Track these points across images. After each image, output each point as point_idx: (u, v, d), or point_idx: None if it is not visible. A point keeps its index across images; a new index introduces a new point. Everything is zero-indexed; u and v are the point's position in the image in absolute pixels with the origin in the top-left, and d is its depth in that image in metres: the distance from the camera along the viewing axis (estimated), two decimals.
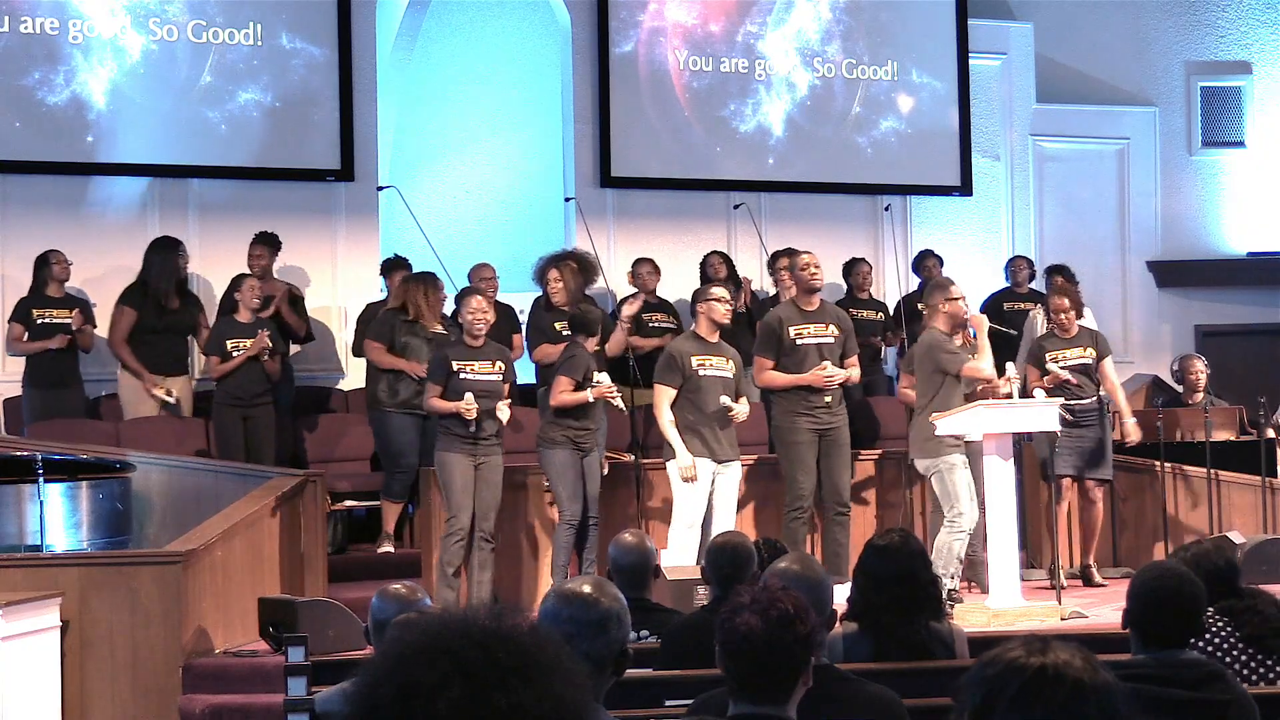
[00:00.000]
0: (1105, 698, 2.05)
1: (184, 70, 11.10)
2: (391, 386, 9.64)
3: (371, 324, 9.95)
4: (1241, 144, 14.17)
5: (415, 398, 9.38)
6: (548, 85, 12.57)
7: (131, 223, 10.95)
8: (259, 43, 11.25)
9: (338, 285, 11.44)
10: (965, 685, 2.11)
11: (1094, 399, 9.57)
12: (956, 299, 8.80)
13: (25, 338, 9.96)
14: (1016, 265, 12.18)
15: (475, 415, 8.51)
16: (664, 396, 8.85)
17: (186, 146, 11.09)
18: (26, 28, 10.74)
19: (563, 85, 12.37)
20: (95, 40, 10.87)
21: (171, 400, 10.05)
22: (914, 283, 12.16)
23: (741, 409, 8.82)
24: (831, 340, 9.09)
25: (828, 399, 9.00)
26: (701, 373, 8.84)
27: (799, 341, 9.03)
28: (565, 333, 9.45)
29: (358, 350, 10.43)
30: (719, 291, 9.15)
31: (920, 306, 9.68)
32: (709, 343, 8.96)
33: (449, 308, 9.88)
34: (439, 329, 9.63)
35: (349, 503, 10.22)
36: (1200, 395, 11.18)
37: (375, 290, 11.44)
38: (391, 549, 9.83)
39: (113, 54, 10.91)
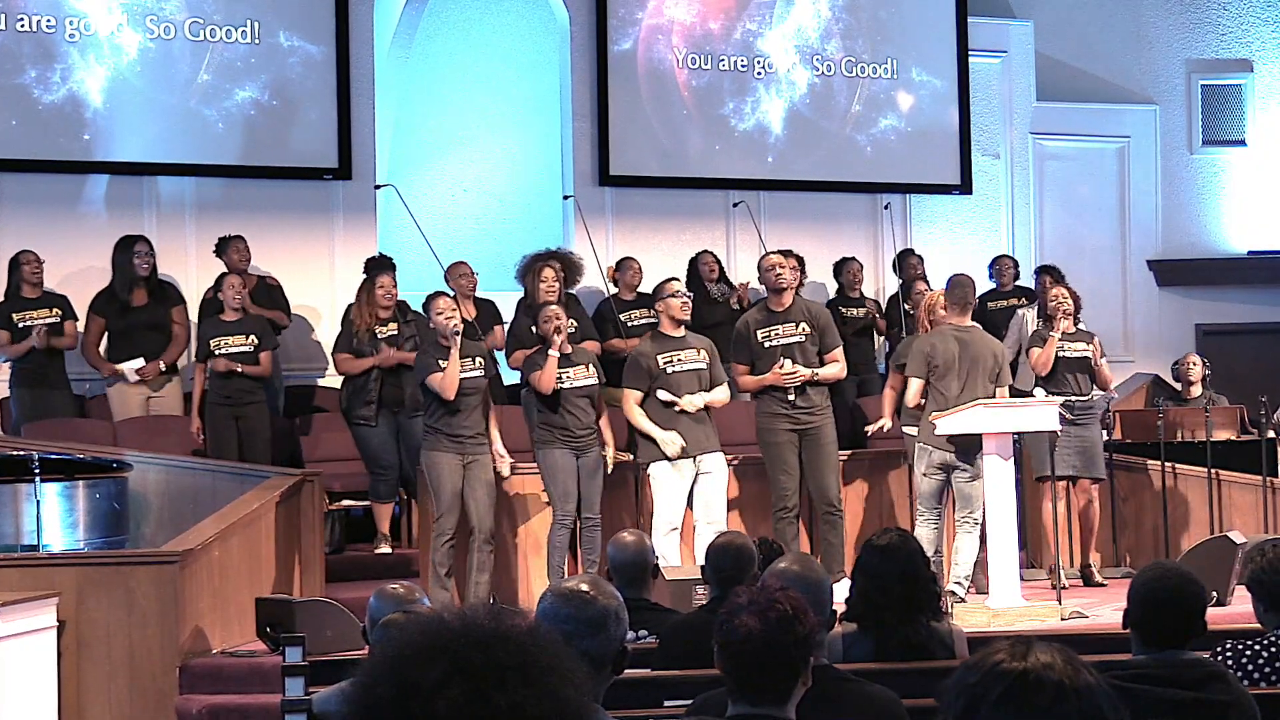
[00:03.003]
0: (1088, 700, 2.03)
1: (181, 68, 11.08)
2: (351, 397, 9.83)
3: (338, 337, 10.12)
4: (1242, 142, 14.16)
5: (364, 408, 9.71)
6: (546, 83, 12.54)
7: (129, 221, 10.91)
8: (256, 41, 11.23)
9: (335, 284, 11.40)
10: (949, 690, 2.09)
11: (1090, 397, 9.55)
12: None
13: (9, 342, 9.95)
14: (1002, 264, 12.18)
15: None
16: (630, 398, 8.84)
17: (183, 145, 11.07)
18: (23, 25, 10.71)
19: (561, 83, 12.35)
20: (92, 38, 10.84)
21: (133, 378, 9.98)
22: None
23: (690, 400, 8.74)
24: (802, 339, 9.03)
25: (791, 397, 8.94)
26: (670, 370, 8.81)
27: (767, 344, 9.00)
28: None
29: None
30: (674, 286, 9.14)
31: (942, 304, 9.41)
32: (673, 338, 8.92)
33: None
34: (390, 329, 9.81)
35: (346, 502, 10.20)
36: (1196, 389, 11.17)
37: None
38: (389, 549, 9.82)
39: (109, 52, 10.89)
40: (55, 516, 8.12)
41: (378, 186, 11.62)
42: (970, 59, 13.24)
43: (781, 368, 8.89)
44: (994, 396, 8.71)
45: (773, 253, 9.35)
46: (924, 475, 8.69)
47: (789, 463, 8.93)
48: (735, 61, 12.57)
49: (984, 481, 8.37)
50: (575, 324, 9.40)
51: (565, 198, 12.12)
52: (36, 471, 7.95)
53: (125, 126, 10.94)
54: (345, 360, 9.91)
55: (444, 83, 12.70)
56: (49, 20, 10.76)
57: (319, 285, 11.39)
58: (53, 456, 8.23)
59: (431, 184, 12.59)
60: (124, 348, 10.10)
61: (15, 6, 10.68)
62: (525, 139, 12.76)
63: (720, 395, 8.93)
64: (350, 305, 10.24)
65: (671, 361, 8.82)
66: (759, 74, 12.64)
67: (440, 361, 8.57)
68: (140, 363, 10.02)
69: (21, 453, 8.21)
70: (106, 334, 10.20)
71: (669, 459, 8.70)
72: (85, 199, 10.98)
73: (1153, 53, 14.08)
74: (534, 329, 9.20)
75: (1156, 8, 14.10)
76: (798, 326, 9.04)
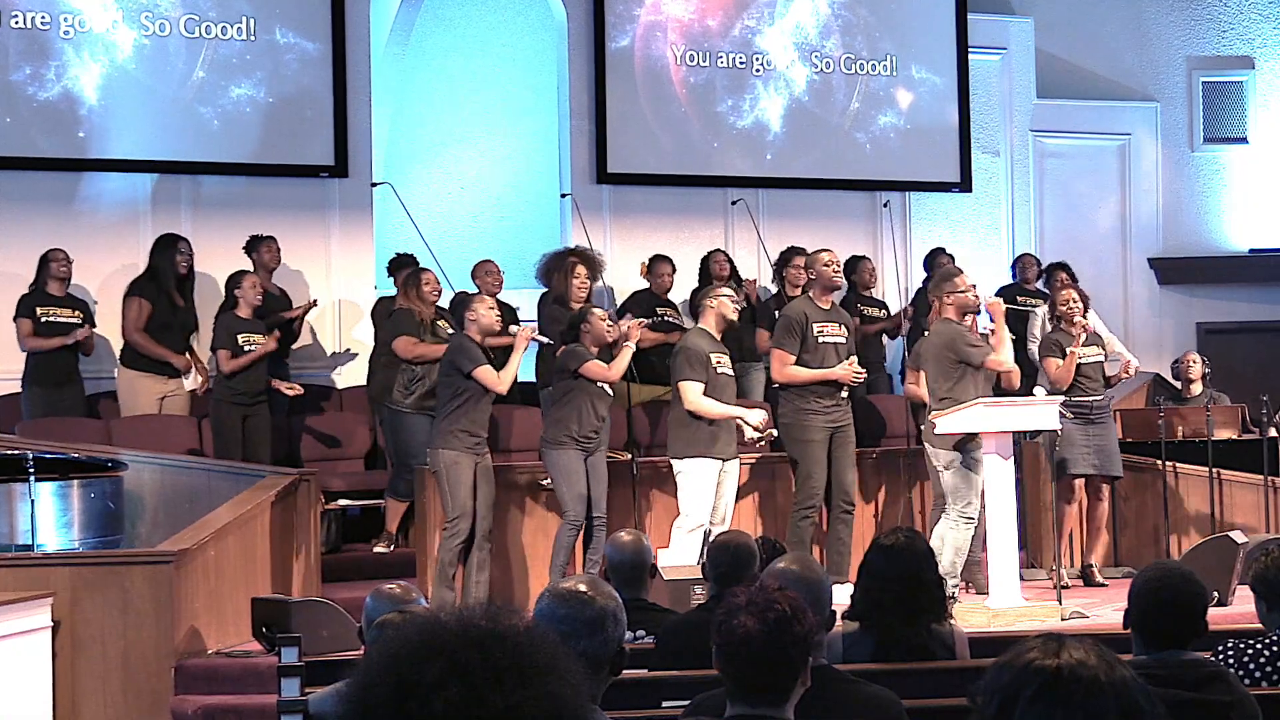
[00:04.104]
0: (1123, 694, 2.04)
1: (177, 65, 11.04)
2: (408, 387, 9.52)
3: (399, 322, 9.66)
4: (1244, 140, 14.13)
5: (429, 399, 9.32)
6: (544, 81, 12.51)
7: (124, 219, 10.89)
8: (252, 38, 11.18)
9: (332, 282, 11.38)
10: (982, 689, 2.08)
11: (1104, 396, 9.54)
12: (963, 291, 8.69)
13: (30, 333, 9.93)
14: (1025, 262, 12.18)
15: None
16: (695, 390, 8.71)
17: (180, 142, 11.03)
18: (17, 22, 10.66)
19: (559, 81, 12.31)
20: (87, 35, 10.80)
21: (194, 381, 10.12)
22: (921, 279, 12.06)
23: (755, 425, 8.75)
24: (843, 340, 9.07)
25: (845, 395, 8.97)
26: (718, 371, 8.82)
27: (821, 339, 8.98)
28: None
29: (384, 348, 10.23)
30: (728, 290, 9.19)
31: (931, 298, 9.48)
32: (718, 340, 8.95)
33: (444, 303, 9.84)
34: (443, 324, 9.66)
35: (343, 502, 10.14)
36: (1197, 387, 11.14)
37: (369, 287, 11.40)
38: (386, 549, 9.76)
39: (104, 49, 10.84)
40: (50, 516, 8.09)
41: (374, 184, 11.59)
42: (970, 56, 13.21)
43: (853, 364, 8.92)
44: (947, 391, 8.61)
45: (823, 250, 9.29)
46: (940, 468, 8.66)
47: (823, 460, 8.94)
48: (733, 59, 12.53)
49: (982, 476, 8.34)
50: None
51: (563, 196, 12.09)
52: (31, 471, 7.91)
53: (121, 124, 10.90)
54: (414, 344, 9.45)
55: (441, 80, 12.68)
56: (43, 17, 10.71)
57: (316, 284, 11.34)
58: (47, 456, 8.19)
59: (428, 182, 12.57)
60: (161, 340, 10.08)
61: (10, 3, 10.63)
62: (522, 136, 12.73)
63: (761, 416, 8.88)
64: (391, 298, 10.11)
65: (719, 364, 8.84)
66: (757, 71, 12.60)
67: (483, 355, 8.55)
68: (198, 380, 10.17)
69: (16, 452, 8.17)
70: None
71: (754, 430, 8.68)
72: (81, 197, 10.94)
73: (1153, 49, 14.06)
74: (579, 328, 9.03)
75: (1157, 4, 14.08)
76: (840, 328, 9.07)
